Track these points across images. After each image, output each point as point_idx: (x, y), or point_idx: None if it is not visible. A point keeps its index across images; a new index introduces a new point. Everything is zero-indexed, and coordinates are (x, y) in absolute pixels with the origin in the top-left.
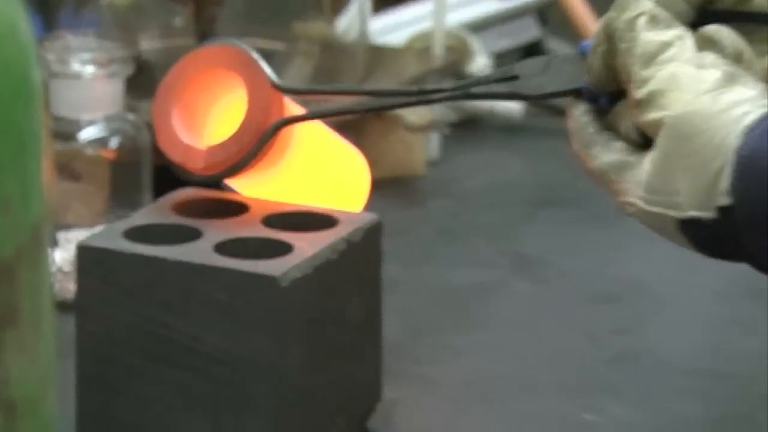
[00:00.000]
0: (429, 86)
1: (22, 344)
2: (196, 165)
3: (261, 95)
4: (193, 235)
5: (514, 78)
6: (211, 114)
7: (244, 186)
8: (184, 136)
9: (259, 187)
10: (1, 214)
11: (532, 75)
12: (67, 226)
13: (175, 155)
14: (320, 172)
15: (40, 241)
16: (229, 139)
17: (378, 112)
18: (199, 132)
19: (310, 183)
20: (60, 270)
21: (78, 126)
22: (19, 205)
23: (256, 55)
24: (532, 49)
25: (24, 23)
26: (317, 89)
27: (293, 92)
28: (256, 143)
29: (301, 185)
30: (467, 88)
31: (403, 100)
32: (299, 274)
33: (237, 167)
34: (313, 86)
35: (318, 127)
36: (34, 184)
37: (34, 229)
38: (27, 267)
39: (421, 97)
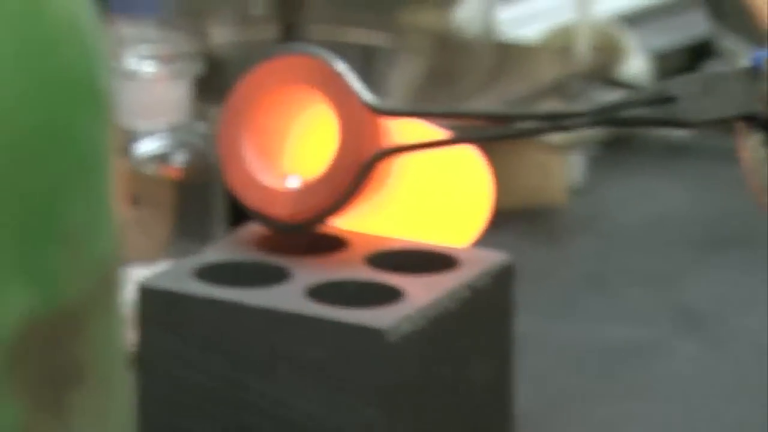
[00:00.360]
0: (562, 109)
1: (90, 409)
2: (279, 211)
3: (353, 121)
4: (280, 276)
5: (670, 99)
6: (289, 139)
7: (337, 219)
8: (261, 175)
9: (356, 220)
10: (63, 249)
11: (693, 96)
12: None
13: (251, 199)
14: (429, 191)
15: (110, 283)
16: (318, 180)
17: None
18: (278, 166)
19: (416, 208)
20: None
21: (134, 138)
22: (86, 238)
23: (343, 68)
24: (701, 49)
25: (90, 18)
26: (424, 111)
27: (393, 115)
28: (351, 183)
29: (406, 212)
30: (612, 112)
31: (529, 127)
32: (411, 328)
33: (329, 212)
34: (418, 108)
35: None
36: (104, 213)
37: (104, 268)
38: (95, 315)
39: (552, 123)
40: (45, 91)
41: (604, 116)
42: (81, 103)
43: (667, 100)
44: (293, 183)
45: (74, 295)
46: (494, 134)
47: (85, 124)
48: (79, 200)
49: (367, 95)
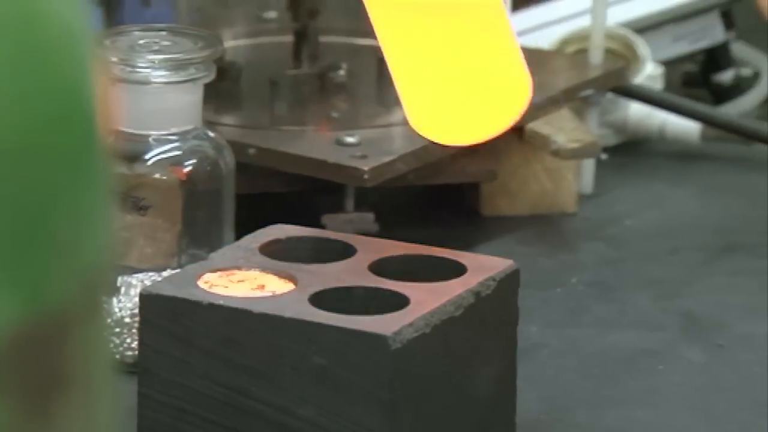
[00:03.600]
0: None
1: (75, 415)
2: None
3: None
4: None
5: None
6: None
7: None
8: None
9: None
10: (51, 256)
11: None
12: (130, 269)
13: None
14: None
15: (99, 290)
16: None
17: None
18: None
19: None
20: (120, 322)
21: (145, 145)
22: (74, 245)
23: None
24: (712, 58)
25: (84, 27)
26: None
27: None
28: None
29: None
30: None
31: None
32: (414, 334)
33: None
34: None
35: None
36: (93, 220)
37: (93, 275)
38: (83, 322)
39: None
40: (36, 99)
41: None
42: (72, 112)
43: None
44: None
45: (62, 302)
46: None
47: (75, 133)
48: (68, 207)
49: None
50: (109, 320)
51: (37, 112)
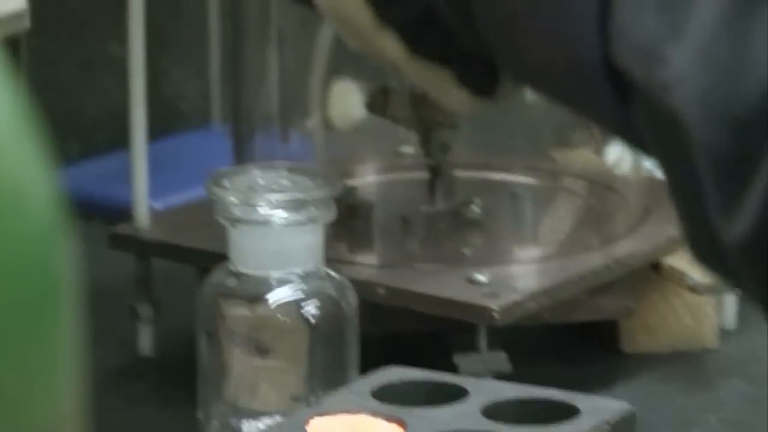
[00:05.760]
0: None
1: None
2: None
3: None
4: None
5: None
6: None
7: None
8: None
9: None
10: None
11: None
12: (256, 413)
13: None
14: None
15: None
16: None
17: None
18: None
19: None
20: None
21: (266, 286)
22: (24, 405)
23: None
24: None
25: (43, 185)
26: None
27: None
28: None
29: None
30: None
31: None
32: None
33: None
34: None
35: None
36: (49, 378)
37: None
38: None
39: None
40: None
41: None
42: (20, 273)
43: None
44: None
45: None
46: None
47: (23, 292)
48: (17, 366)
49: None
50: None
51: None
